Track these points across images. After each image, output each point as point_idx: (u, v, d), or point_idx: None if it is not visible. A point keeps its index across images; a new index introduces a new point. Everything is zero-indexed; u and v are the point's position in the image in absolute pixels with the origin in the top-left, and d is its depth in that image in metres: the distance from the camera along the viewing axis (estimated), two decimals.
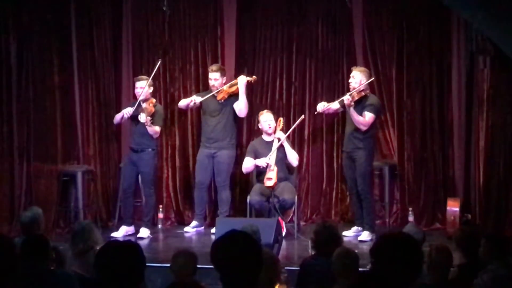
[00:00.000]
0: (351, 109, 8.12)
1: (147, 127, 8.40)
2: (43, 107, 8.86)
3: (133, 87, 8.84)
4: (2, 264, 3.38)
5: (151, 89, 8.66)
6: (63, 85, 9.07)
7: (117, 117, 8.71)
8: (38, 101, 8.79)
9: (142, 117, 8.35)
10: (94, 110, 9.25)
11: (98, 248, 5.56)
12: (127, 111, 8.48)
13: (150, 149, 8.60)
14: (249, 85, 8.87)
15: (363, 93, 8.19)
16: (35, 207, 6.76)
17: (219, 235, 6.86)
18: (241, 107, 8.69)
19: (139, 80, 8.61)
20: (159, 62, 8.76)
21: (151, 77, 8.59)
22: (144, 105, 8.45)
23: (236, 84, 8.71)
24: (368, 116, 8.18)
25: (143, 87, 8.50)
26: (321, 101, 8.78)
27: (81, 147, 9.24)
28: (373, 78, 8.49)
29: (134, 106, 8.49)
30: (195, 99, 8.83)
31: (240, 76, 8.73)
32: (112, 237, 8.37)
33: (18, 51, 8.62)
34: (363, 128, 8.20)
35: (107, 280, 3.18)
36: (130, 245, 3.32)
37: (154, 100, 8.60)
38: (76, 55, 9.16)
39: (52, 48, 8.93)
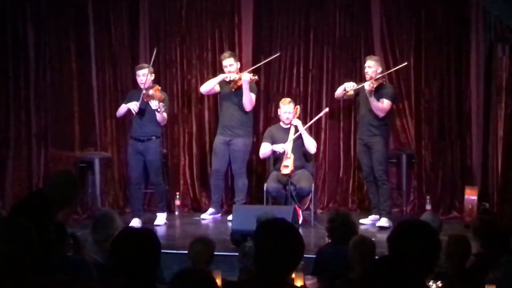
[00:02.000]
0: (370, 95, 8.12)
1: (157, 114, 8.23)
2: (60, 95, 8.90)
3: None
4: (20, 250, 3.40)
5: (153, 76, 8.49)
6: (81, 72, 9.11)
7: (121, 111, 8.49)
8: (55, 89, 8.84)
9: (155, 104, 8.17)
10: (112, 97, 9.27)
11: None
12: (134, 106, 8.24)
13: (155, 137, 8.46)
14: (254, 82, 8.76)
15: (380, 81, 8.21)
16: None
17: (236, 222, 6.85)
18: (245, 101, 8.67)
19: (141, 68, 8.39)
20: (155, 50, 8.66)
21: (150, 64, 8.42)
22: (151, 92, 8.28)
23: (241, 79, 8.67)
24: (386, 103, 8.24)
25: (145, 74, 8.29)
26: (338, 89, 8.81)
27: (98, 134, 9.29)
28: (406, 63, 8.54)
29: (139, 99, 8.23)
30: (230, 76, 8.68)
31: (244, 73, 8.67)
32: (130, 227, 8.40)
33: (35, 39, 8.66)
34: (381, 114, 8.23)
35: (121, 266, 3.19)
36: (145, 232, 3.33)
37: (159, 87, 8.49)
38: (94, 43, 9.20)
39: (70, 35, 8.96)
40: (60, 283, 3.59)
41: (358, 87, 8.38)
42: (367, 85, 8.16)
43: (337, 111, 9.31)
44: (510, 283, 4.67)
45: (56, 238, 4.88)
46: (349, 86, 8.45)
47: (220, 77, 8.80)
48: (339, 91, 8.59)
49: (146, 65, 8.50)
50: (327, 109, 8.79)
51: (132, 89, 8.88)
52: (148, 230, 3.38)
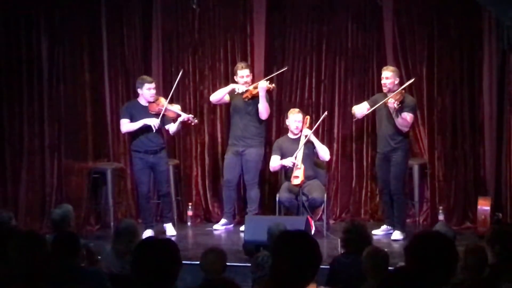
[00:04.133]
0: (395, 113, 8.07)
1: (178, 127, 8.45)
2: (74, 106, 8.94)
3: (163, 85, 8.93)
4: (35, 261, 3.42)
5: None
6: (94, 83, 9.16)
7: (133, 127, 8.40)
8: (69, 100, 8.87)
9: (184, 116, 8.38)
10: (119, 111, 9.29)
11: None
12: (155, 123, 8.29)
13: (163, 147, 8.59)
14: (272, 91, 8.84)
15: (402, 96, 8.12)
16: (65, 204, 6.85)
17: (248, 233, 6.84)
18: (261, 110, 8.70)
19: (151, 81, 8.45)
20: (181, 71, 8.82)
21: (175, 84, 8.62)
22: (164, 104, 8.35)
23: (257, 87, 8.69)
24: (409, 117, 8.19)
25: (155, 87, 8.49)
26: (351, 100, 8.86)
27: (111, 145, 9.33)
28: (413, 79, 8.46)
29: (146, 113, 8.32)
30: (238, 87, 8.74)
31: (261, 81, 8.71)
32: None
33: (49, 50, 8.70)
34: (405, 129, 8.22)
35: (142, 276, 3.16)
36: (168, 243, 3.31)
37: (161, 98, 8.58)
38: (107, 54, 9.26)
39: (83, 47, 9.02)
40: None
41: (378, 104, 8.20)
42: (391, 103, 8.02)
43: (349, 121, 9.29)
44: None
45: (70, 249, 4.89)
46: (358, 111, 8.36)
47: (230, 87, 8.83)
48: (358, 111, 8.43)
49: (149, 77, 8.58)
50: (326, 113, 8.77)
51: (126, 102, 8.92)
52: (172, 241, 3.35)
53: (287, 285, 3.03)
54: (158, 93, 8.69)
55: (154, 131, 8.34)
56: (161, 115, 8.33)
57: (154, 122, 8.32)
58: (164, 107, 8.36)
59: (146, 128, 8.38)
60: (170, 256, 3.20)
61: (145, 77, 8.62)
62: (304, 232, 3.26)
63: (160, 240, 3.37)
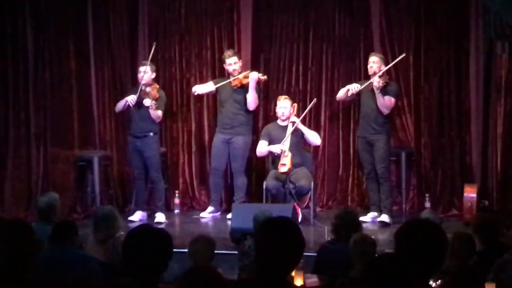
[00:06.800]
0: (378, 92, 8.16)
1: (151, 111, 8.40)
2: (59, 93, 8.90)
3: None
4: (22, 250, 3.40)
5: (154, 74, 8.63)
6: (80, 71, 9.11)
7: (120, 105, 8.62)
8: (54, 87, 8.83)
9: (147, 102, 8.35)
10: (111, 96, 9.26)
11: (118, 235, 5.63)
12: (131, 99, 8.41)
13: (152, 133, 8.61)
14: (262, 82, 8.81)
15: (386, 79, 8.28)
16: (51, 192, 6.83)
17: (235, 221, 6.85)
18: (249, 101, 8.69)
19: (143, 65, 8.55)
20: (154, 44, 8.71)
21: (148, 60, 8.51)
22: (148, 89, 8.44)
23: (248, 77, 8.67)
24: (392, 101, 8.33)
25: (145, 71, 8.45)
26: (338, 88, 8.85)
27: (98, 133, 9.30)
28: (404, 54, 8.55)
29: (136, 92, 8.42)
30: (212, 86, 8.79)
31: (252, 72, 8.69)
32: (130, 220, 8.44)
33: (34, 37, 8.65)
34: (386, 111, 8.32)
35: (132, 264, 3.15)
36: (162, 233, 3.29)
37: (157, 86, 8.61)
38: (93, 42, 9.21)
39: (69, 34, 8.96)
40: (67, 281, 3.61)
41: (363, 86, 8.36)
42: (376, 81, 8.17)
43: (336, 109, 9.30)
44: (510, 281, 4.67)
45: (66, 235, 4.94)
46: (354, 88, 8.42)
47: (209, 84, 8.87)
48: (341, 94, 8.58)
49: (148, 62, 8.55)
50: (315, 100, 8.78)
51: (132, 86, 8.93)
52: (165, 231, 3.33)
53: (271, 272, 3.04)
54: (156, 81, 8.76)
55: (131, 106, 8.43)
56: (138, 93, 8.38)
57: (130, 98, 8.42)
58: (141, 88, 8.39)
59: (135, 112, 8.51)
60: (162, 247, 3.19)
61: (144, 61, 8.68)
62: (286, 218, 3.26)
63: (154, 229, 3.35)
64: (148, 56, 8.62)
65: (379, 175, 8.37)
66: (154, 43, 8.76)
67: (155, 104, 8.38)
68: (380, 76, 8.22)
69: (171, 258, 3.25)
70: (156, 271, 3.17)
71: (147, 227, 3.34)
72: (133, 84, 8.93)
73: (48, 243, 5.07)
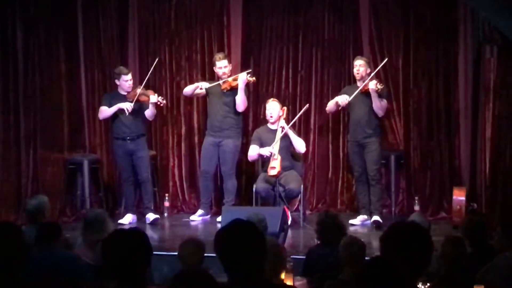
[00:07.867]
0: (376, 95, 8.22)
1: (149, 110, 8.50)
2: (49, 96, 8.90)
3: (139, 76, 8.94)
4: (12, 252, 3.40)
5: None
6: (70, 74, 9.12)
7: (108, 112, 8.57)
8: (44, 90, 8.84)
9: (154, 98, 8.43)
10: (101, 99, 9.23)
11: None
12: (128, 106, 8.44)
13: (143, 134, 8.73)
14: (251, 84, 8.83)
15: (380, 83, 8.34)
16: (41, 195, 6.82)
17: (225, 223, 6.89)
18: (238, 102, 8.69)
19: (127, 72, 8.60)
20: (157, 60, 8.82)
21: (150, 72, 8.70)
22: (138, 90, 8.50)
23: (237, 79, 8.69)
24: (385, 103, 8.42)
25: (131, 79, 8.59)
26: (327, 91, 8.95)
27: (88, 136, 9.29)
28: (386, 59, 8.58)
29: (121, 100, 8.49)
30: (202, 84, 8.82)
31: (241, 73, 8.71)
32: (119, 223, 8.45)
33: (24, 40, 8.66)
34: (381, 114, 8.41)
35: (113, 267, 3.19)
36: (136, 233, 3.33)
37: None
38: (83, 45, 9.21)
39: (59, 37, 8.97)
40: (57, 283, 3.61)
41: (352, 97, 8.35)
42: (373, 85, 8.19)
43: (325, 112, 9.31)
44: (501, 282, 4.69)
45: (52, 236, 4.95)
46: (343, 101, 8.43)
47: (195, 85, 8.88)
48: (330, 106, 8.60)
49: (125, 69, 8.64)
50: (307, 105, 8.81)
51: (103, 93, 9.04)
52: (139, 230, 3.38)
53: (248, 276, 3.09)
54: (134, 84, 8.72)
55: (127, 114, 8.45)
56: (134, 99, 8.42)
57: (127, 106, 8.45)
58: (138, 93, 8.46)
59: (125, 116, 8.49)
60: (138, 247, 3.22)
61: (121, 68, 8.66)
62: (246, 222, 3.28)
63: (128, 230, 3.38)
64: (151, 68, 8.77)
65: (371, 177, 8.41)
66: (157, 58, 8.86)
67: (163, 99, 8.56)
68: (374, 80, 8.26)
69: (151, 254, 3.28)
70: (139, 271, 3.19)
71: (119, 231, 3.38)
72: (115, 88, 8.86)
73: (35, 244, 5.08)
